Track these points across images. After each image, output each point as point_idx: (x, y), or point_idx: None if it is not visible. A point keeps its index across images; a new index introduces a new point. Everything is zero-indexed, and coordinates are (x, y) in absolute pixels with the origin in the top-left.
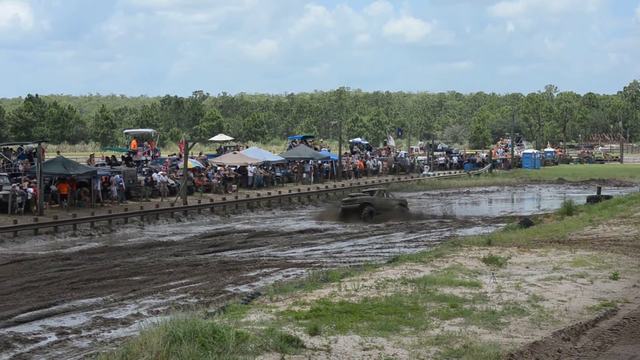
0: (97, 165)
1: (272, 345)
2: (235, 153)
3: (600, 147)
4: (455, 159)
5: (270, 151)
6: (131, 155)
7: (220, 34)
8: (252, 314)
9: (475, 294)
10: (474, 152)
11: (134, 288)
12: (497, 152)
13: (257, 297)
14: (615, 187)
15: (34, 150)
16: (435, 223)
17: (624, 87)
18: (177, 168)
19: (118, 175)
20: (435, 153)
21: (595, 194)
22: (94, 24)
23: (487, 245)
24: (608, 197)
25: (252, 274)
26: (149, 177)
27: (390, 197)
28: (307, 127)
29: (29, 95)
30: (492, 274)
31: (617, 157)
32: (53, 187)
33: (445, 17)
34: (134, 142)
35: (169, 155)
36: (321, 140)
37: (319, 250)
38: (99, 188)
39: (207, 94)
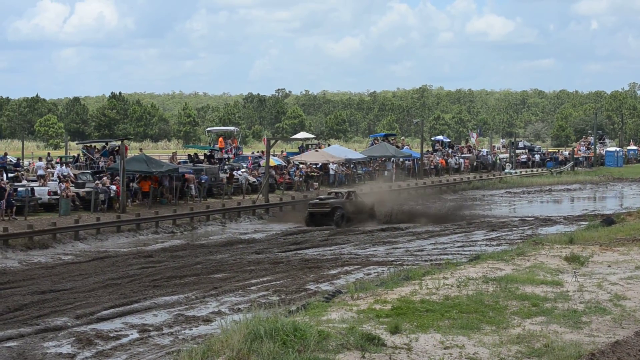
0: (179, 163)
1: (352, 343)
2: (317, 151)
3: None
4: (537, 156)
5: (352, 149)
6: (213, 153)
7: (302, 32)
8: (333, 312)
9: (556, 292)
10: (556, 150)
11: (215, 285)
12: (580, 150)
13: (338, 295)
14: None
15: (117, 148)
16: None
17: None
18: (259, 166)
19: (205, 175)
20: (518, 151)
21: None
22: (177, 22)
23: (569, 243)
24: None
25: (333, 271)
26: (231, 175)
27: (360, 200)
28: (389, 125)
29: (112, 93)
30: (574, 272)
31: None
32: (134, 185)
33: (529, 14)
34: (220, 139)
35: (251, 153)
36: (403, 138)
37: (400, 248)
38: (178, 186)
39: (290, 91)
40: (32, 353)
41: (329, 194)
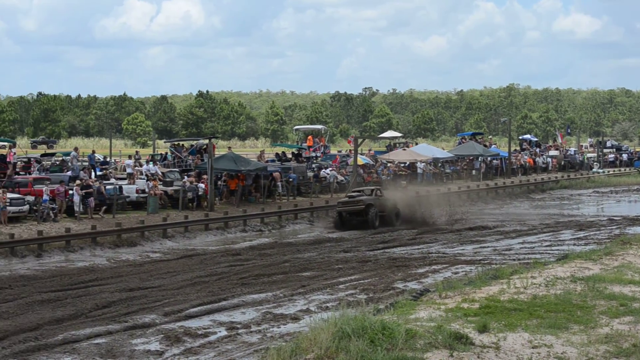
0: (267, 162)
1: (440, 342)
2: (404, 150)
3: None
4: (625, 156)
5: (439, 148)
6: (301, 152)
7: (389, 30)
8: (421, 311)
9: None
10: None
11: (303, 284)
12: None
13: (426, 294)
14: None
15: (205, 146)
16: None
17: None
18: (347, 164)
19: (293, 174)
20: (605, 150)
21: None
22: (264, 20)
23: None
24: None
25: (421, 270)
26: (319, 174)
27: (385, 197)
28: (477, 123)
29: (199, 91)
30: None
31: None
32: (221, 183)
33: (615, 13)
34: (309, 137)
35: (338, 152)
36: (490, 137)
37: (488, 247)
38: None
39: (377, 90)
40: (120, 350)
41: (355, 192)
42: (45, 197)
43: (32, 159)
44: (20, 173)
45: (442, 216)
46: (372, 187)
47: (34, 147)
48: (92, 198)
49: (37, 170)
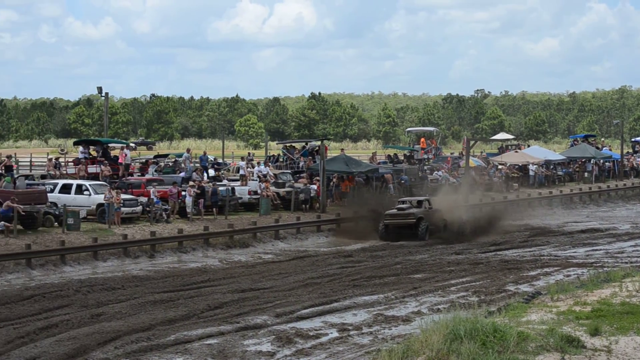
0: (379, 163)
1: (552, 345)
2: (516, 152)
3: None
4: None
5: (551, 150)
6: (413, 154)
7: (501, 32)
8: (533, 314)
9: None
10: None
11: (414, 286)
12: None
13: (538, 297)
14: None
15: (317, 148)
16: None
17: None
18: (459, 166)
19: (404, 175)
20: None
21: None
22: (376, 22)
23: None
24: None
25: (532, 273)
26: (430, 175)
27: (435, 209)
28: (589, 125)
29: (312, 93)
30: None
31: None
32: (332, 184)
33: None
34: (422, 139)
35: (450, 154)
36: (603, 139)
37: (600, 250)
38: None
39: (489, 92)
40: (232, 351)
41: (404, 202)
42: (153, 198)
43: (149, 160)
44: (137, 174)
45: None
46: (422, 198)
47: (133, 148)
48: (204, 199)
49: (155, 171)
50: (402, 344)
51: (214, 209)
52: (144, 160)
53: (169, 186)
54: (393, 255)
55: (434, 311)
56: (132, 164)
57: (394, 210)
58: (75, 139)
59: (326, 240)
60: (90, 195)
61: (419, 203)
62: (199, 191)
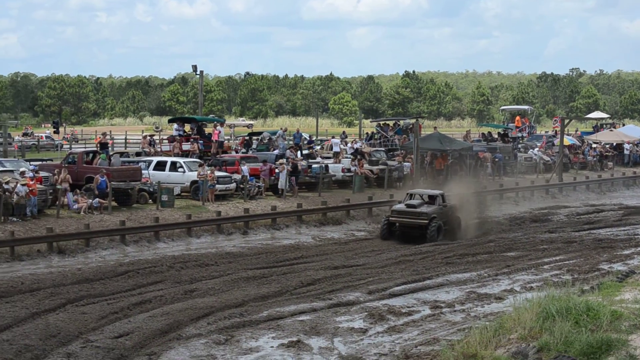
0: (472, 141)
1: None
2: (611, 130)
3: None
4: None
5: None
6: (507, 132)
7: (597, 11)
8: (626, 292)
9: None
10: None
11: (507, 264)
12: None
13: (632, 276)
14: None
15: (411, 126)
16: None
17: None
18: (553, 145)
19: (499, 154)
20: None
21: None
22: (470, 1)
23: None
24: None
25: (626, 252)
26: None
27: (450, 206)
28: None
29: (405, 71)
30: None
31: None
32: (425, 162)
33: None
34: (517, 118)
35: (544, 132)
36: None
37: None
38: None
39: (584, 71)
40: (324, 327)
41: (413, 196)
42: (247, 175)
43: (243, 137)
44: (236, 151)
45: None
46: (435, 192)
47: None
48: (296, 176)
49: (250, 149)
50: (494, 322)
51: (307, 186)
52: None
53: (262, 164)
54: (486, 233)
55: (527, 289)
56: (227, 141)
57: (402, 207)
58: (170, 117)
59: None
60: (184, 172)
61: (432, 199)
62: (291, 169)
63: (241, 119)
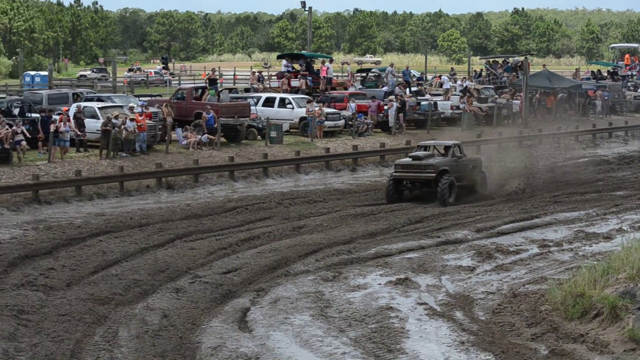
0: (582, 79)
1: None
2: None
3: None
4: None
5: None
6: (617, 70)
7: None
8: None
9: None
10: None
11: (616, 203)
12: None
13: None
14: None
15: (520, 64)
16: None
17: None
18: None
19: (605, 91)
20: None
21: None
22: None
23: None
24: None
25: None
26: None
27: (465, 156)
28: None
29: (515, 8)
30: None
31: None
32: (535, 100)
33: None
34: (627, 56)
35: None
36: None
37: None
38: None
39: None
40: (432, 265)
41: (422, 147)
42: (351, 112)
43: (353, 74)
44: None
45: None
46: (450, 142)
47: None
48: (404, 113)
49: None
50: (602, 261)
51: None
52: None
53: (370, 100)
54: (595, 172)
55: (636, 229)
56: (336, 78)
57: (407, 160)
58: (278, 53)
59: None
60: (293, 108)
61: (446, 149)
62: (400, 105)
63: (369, 55)
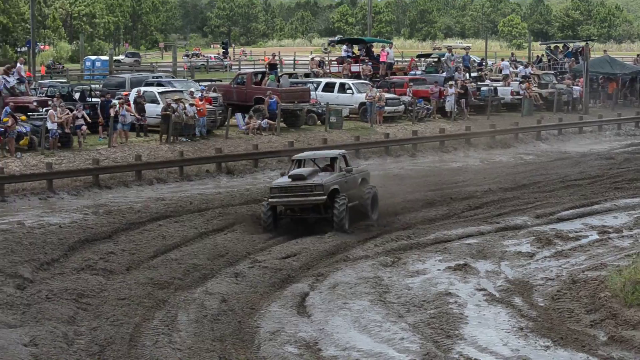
0: None
1: None
2: None
3: None
4: None
5: None
6: None
7: None
8: None
9: None
10: None
11: None
12: None
13: None
14: None
15: (580, 49)
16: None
17: None
18: None
19: None
20: None
21: None
22: None
23: None
24: None
25: None
26: None
27: (352, 169)
28: None
29: None
30: None
31: None
32: (595, 85)
33: None
34: None
35: None
36: None
37: None
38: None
39: None
40: (491, 250)
41: (295, 162)
42: (408, 98)
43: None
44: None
45: None
46: (334, 153)
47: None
48: (466, 99)
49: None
50: None
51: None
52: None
53: (431, 85)
54: None
55: None
56: (396, 63)
57: (286, 181)
58: (336, 37)
59: (588, 142)
60: (353, 93)
61: (331, 162)
62: (462, 91)
63: (459, 41)
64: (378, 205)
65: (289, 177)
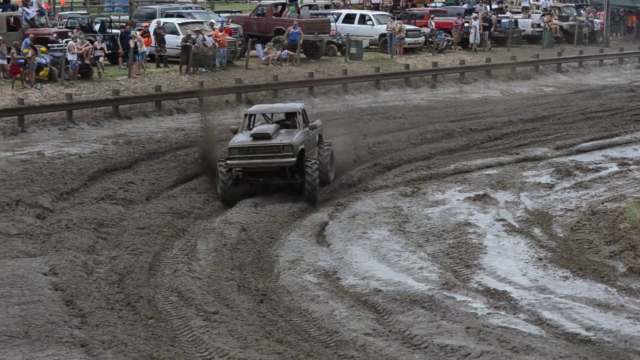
0: None
1: None
2: None
3: None
4: None
5: None
6: None
7: None
8: None
9: None
10: None
11: None
12: None
13: None
14: None
15: None
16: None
17: None
18: None
19: None
20: None
21: None
22: None
23: None
24: None
25: None
26: None
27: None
28: None
29: None
30: None
31: None
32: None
33: None
34: None
35: None
36: None
37: None
38: None
39: None
40: (511, 181)
41: (247, 116)
42: (426, 29)
43: None
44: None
45: None
46: (293, 107)
47: None
48: (488, 31)
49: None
50: None
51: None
52: None
53: (453, 17)
54: None
55: None
56: None
57: (248, 140)
58: None
59: (608, 74)
60: (373, 25)
61: (291, 118)
62: (486, 24)
63: None
64: (334, 165)
65: (251, 135)
